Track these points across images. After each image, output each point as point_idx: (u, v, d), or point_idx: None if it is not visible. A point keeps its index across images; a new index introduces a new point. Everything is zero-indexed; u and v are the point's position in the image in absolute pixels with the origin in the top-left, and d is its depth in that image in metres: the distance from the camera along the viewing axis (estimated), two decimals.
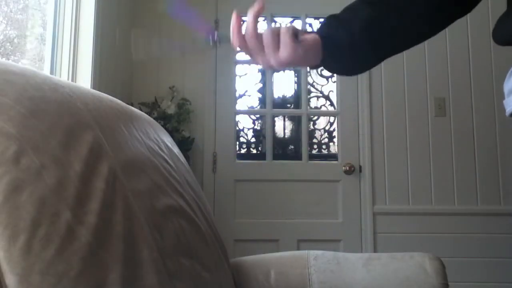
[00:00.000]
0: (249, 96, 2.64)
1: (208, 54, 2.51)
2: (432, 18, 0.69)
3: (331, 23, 0.67)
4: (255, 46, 0.63)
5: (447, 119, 2.46)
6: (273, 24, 2.60)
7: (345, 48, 0.65)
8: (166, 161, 0.85)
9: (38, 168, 0.48)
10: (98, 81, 1.89)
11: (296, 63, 0.64)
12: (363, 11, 0.66)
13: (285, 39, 0.61)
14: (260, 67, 2.66)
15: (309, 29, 2.61)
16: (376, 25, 0.65)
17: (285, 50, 0.61)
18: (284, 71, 2.55)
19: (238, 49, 0.65)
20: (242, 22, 0.66)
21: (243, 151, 2.63)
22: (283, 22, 2.63)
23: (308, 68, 0.68)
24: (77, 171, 0.53)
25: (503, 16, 0.67)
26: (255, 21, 0.64)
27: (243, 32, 0.65)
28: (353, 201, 2.44)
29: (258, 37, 0.63)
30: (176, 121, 2.28)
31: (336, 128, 2.57)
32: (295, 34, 0.62)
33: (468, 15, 0.75)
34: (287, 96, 2.74)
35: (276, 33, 0.62)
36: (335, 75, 2.46)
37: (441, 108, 2.46)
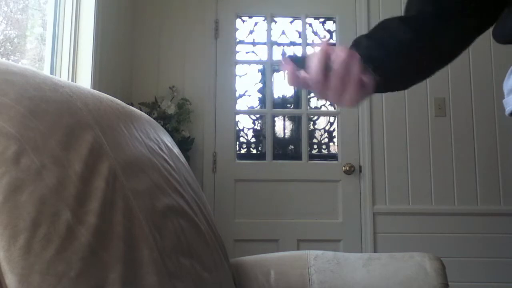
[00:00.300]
0: (249, 96, 2.64)
1: (208, 54, 2.51)
2: (470, 33, 0.68)
3: (374, 47, 0.63)
4: (323, 89, 0.59)
5: (447, 119, 2.46)
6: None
7: (388, 69, 0.62)
8: (166, 161, 0.85)
9: (38, 168, 0.48)
10: (98, 81, 1.89)
11: (358, 104, 0.60)
12: (397, 31, 0.64)
13: (354, 88, 0.57)
14: (260, 67, 2.66)
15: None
16: (412, 49, 0.64)
17: (352, 97, 0.57)
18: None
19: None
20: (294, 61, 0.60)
21: (243, 151, 2.63)
22: (283, 22, 2.63)
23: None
24: (77, 171, 0.53)
25: (504, 14, 0.67)
26: (321, 66, 0.58)
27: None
28: (353, 201, 2.44)
29: (326, 80, 0.58)
30: (176, 121, 2.28)
31: (336, 128, 2.57)
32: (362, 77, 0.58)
33: None
34: (287, 96, 2.74)
35: (346, 73, 0.57)
36: None
37: (441, 108, 2.46)
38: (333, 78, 0.57)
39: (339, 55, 0.57)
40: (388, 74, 0.62)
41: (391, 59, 0.62)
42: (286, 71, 0.60)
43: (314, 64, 0.58)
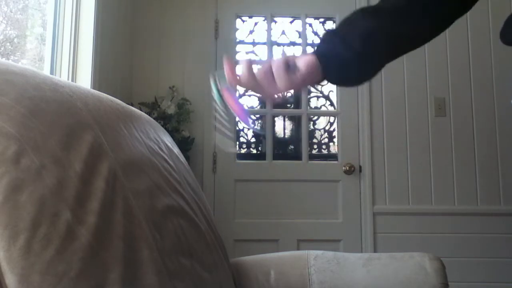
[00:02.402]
0: (249, 96, 2.64)
1: (208, 54, 2.51)
2: (433, 19, 0.68)
3: (330, 39, 0.67)
4: (253, 86, 0.66)
5: (447, 119, 2.46)
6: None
7: (346, 62, 0.65)
8: (166, 161, 0.85)
9: (38, 168, 0.48)
10: (98, 81, 1.89)
11: (296, 89, 0.66)
12: (362, 21, 0.66)
13: (278, 73, 0.63)
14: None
15: (310, 33, 2.61)
16: (376, 35, 0.65)
17: (281, 83, 0.64)
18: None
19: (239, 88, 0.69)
20: (234, 64, 0.68)
21: (243, 151, 2.63)
22: (283, 22, 2.63)
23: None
24: (77, 171, 0.53)
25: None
26: (249, 67, 0.66)
27: (240, 73, 0.67)
28: (353, 201, 2.44)
29: (254, 77, 0.65)
30: (176, 121, 2.28)
31: (336, 128, 2.57)
32: (288, 65, 0.64)
33: (468, 15, 0.75)
34: (287, 96, 2.74)
35: (269, 70, 0.64)
36: None
37: (441, 108, 2.46)
38: (258, 76, 0.65)
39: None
40: (337, 62, 0.66)
41: (342, 48, 0.65)
42: (226, 71, 0.67)
43: (243, 67, 0.66)
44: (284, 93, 0.65)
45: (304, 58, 0.65)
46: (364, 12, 0.67)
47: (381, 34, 0.65)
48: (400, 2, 0.66)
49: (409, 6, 0.66)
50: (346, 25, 0.68)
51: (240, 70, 0.66)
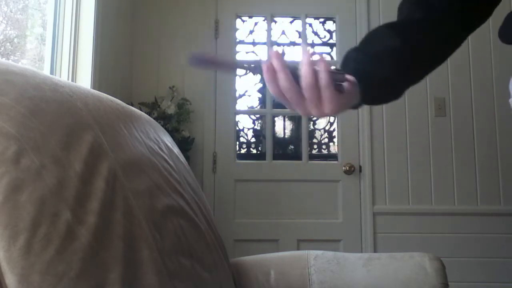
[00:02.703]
0: (249, 96, 2.64)
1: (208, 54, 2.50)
2: (458, 34, 0.68)
3: (360, 58, 0.62)
4: (295, 99, 0.55)
5: (447, 119, 2.46)
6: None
7: (380, 82, 0.61)
8: (166, 161, 0.85)
9: (38, 168, 0.48)
10: (98, 81, 1.89)
11: (339, 112, 0.58)
12: (390, 39, 0.63)
13: (329, 95, 0.54)
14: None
15: (310, 33, 2.61)
16: (405, 54, 0.62)
17: (330, 105, 0.55)
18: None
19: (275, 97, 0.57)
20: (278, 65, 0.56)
21: (243, 151, 2.63)
22: (283, 22, 2.63)
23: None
24: (77, 171, 0.53)
25: (510, 15, 0.67)
26: (290, 73, 0.55)
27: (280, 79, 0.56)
28: (353, 201, 2.44)
29: (297, 88, 0.55)
30: (176, 121, 2.28)
31: (336, 128, 2.57)
32: (337, 85, 0.56)
33: None
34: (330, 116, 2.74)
35: (316, 86, 0.54)
36: None
37: (441, 108, 2.46)
38: (306, 91, 0.55)
39: (306, 65, 0.55)
40: (376, 84, 0.61)
41: (379, 69, 0.61)
42: (265, 73, 0.56)
43: (285, 74, 0.55)
44: (329, 115, 0.57)
45: (347, 77, 0.58)
46: (389, 28, 0.65)
47: (409, 52, 0.63)
48: (420, 15, 0.65)
49: (430, 17, 0.65)
50: (373, 43, 0.64)
51: (281, 78, 0.55)
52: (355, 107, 0.63)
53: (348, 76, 0.58)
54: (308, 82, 0.54)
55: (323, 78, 0.54)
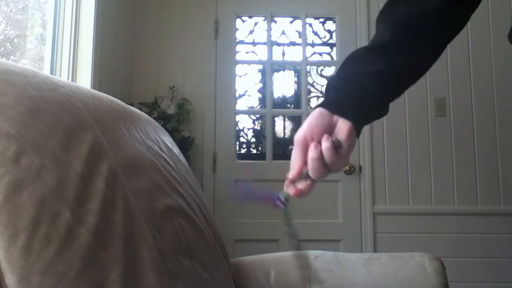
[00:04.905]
0: (249, 96, 2.64)
1: (208, 54, 2.51)
2: (434, 44, 0.68)
3: (344, 88, 0.62)
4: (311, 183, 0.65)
5: (447, 119, 2.46)
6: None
7: (367, 106, 0.63)
8: (166, 161, 0.85)
9: (38, 168, 0.48)
10: (98, 81, 1.89)
11: (346, 163, 0.64)
12: (372, 61, 0.63)
13: (332, 162, 0.60)
14: (260, 67, 2.66)
15: (310, 33, 2.60)
16: (388, 73, 0.62)
17: (337, 168, 0.61)
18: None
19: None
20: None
21: (243, 151, 2.63)
22: (283, 22, 2.63)
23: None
24: (77, 171, 0.53)
25: None
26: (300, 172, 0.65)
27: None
28: (353, 201, 2.44)
29: (311, 181, 0.65)
30: (176, 121, 2.28)
31: None
32: (336, 148, 0.60)
33: None
34: (287, 96, 2.74)
35: (321, 161, 0.60)
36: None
37: (441, 108, 2.46)
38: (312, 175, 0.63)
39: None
40: (367, 114, 0.63)
41: (365, 96, 0.62)
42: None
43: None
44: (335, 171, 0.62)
45: (344, 130, 0.60)
46: (369, 50, 0.65)
47: (392, 71, 0.63)
48: (400, 35, 0.65)
49: (410, 36, 0.65)
50: (354, 67, 0.64)
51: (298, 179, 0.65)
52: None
53: (344, 130, 0.61)
54: (314, 165, 0.61)
55: (328, 158, 0.59)
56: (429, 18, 0.65)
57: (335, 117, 0.61)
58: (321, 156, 0.59)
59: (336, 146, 0.59)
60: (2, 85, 0.51)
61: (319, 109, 0.62)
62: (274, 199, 0.68)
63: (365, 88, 0.61)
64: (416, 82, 0.68)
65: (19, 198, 0.45)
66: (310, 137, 0.61)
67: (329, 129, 0.61)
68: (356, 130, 0.61)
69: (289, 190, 0.66)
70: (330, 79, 0.65)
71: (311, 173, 0.62)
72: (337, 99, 0.62)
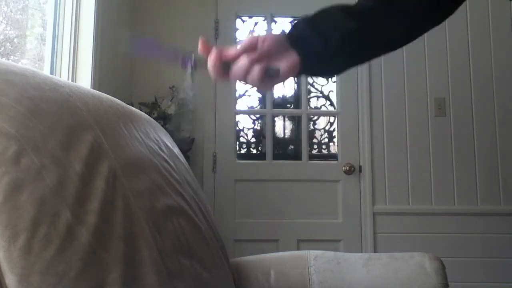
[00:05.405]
0: (249, 96, 2.64)
1: None
2: (410, 22, 0.68)
3: (307, 32, 0.65)
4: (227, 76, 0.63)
5: (447, 119, 2.46)
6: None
7: (322, 57, 0.64)
8: (166, 161, 0.85)
9: (38, 168, 0.48)
10: (98, 81, 1.89)
11: (272, 87, 0.65)
12: (342, 20, 0.65)
13: (254, 80, 0.60)
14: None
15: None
16: (355, 37, 0.64)
17: (258, 85, 0.62)
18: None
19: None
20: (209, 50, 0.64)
21: (243, 151, 2.63)
22: (283, 22, 2.63)
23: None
24: (77, 171, 0.53)
25: None
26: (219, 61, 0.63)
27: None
28: (353, 201, 2.44)
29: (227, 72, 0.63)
30: (176, 121, 2.28)
31: (336, 128, 2.57)
32: (268, 70, 0.61)
33: (468, 14, 0.74)
34: (287, 96, 2.74)
35: (245, 72, 0.61)
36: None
37: (441, 108, 2.46)
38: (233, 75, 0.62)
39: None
40: (317, 61, 0.64)
41: (325, 47, 0.64)
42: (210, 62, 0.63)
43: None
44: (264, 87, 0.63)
45: (287, 62, 0.62)
46: (343, 11, 0.66)
47: (359, 37, 0.64)
48: (377, 4, 0.66)
49: (387, 8, 0.66)
50: (324, 20, 0.66)
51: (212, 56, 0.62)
52: (293, 77, 0.68)
53: (287, 62, 0.62)
54: (239, 75, 0.61)
55: (255, 74, 0.60)
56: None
57: (289, 48, 0.63)
58: (248, 69, 0.60)
59: (270, 73, 0.61)
60: (2, 85, 0.51)
61: (280, 35, 0.64)
62: (183, 58, 0.65)
63: (326, 37, 0.63)
64: (376, 57, 0.69)
65: (19, 198, 0.45)
66: (262, 41, 0.62)
67: (279, 50, 0.63)
68: (298, 71, 0.63)
69: (210, 59, 0.63)
70: (300, 19, 0.67)
71: (233, 72, 0.62)
72: (298, 35, 0.64)
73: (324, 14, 0.67)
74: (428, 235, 2.36)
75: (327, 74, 0.70)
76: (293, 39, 0.64)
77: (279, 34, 0.64)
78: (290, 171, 2.47)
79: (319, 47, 0.63)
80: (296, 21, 0.68)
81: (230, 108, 2.52)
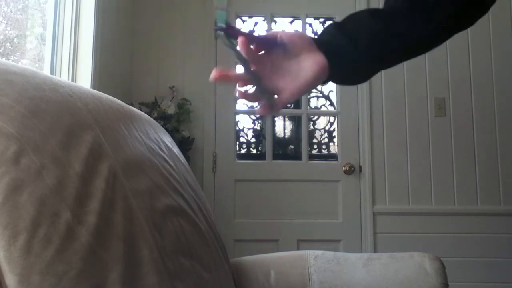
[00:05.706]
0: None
1: (208, 54, 2.51)
2: (437, 27, 0.68)
3: (337, 36, 0.64)
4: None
5: (447, 119, 2.46)
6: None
7: (352, 62, 0.64)
8: (166, 161, 0.85)
9: (38, 168, 0.48)
10: (98, 81, 1.89)
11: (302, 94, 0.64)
12: (371, 23, 0.64)
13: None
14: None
15: (310, 33, 2.61)
16: (384, 39, 0.63)
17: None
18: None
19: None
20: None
21: (243, 151, 2.63)
22: (283, 22, 2.63)
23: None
24: (77, 171, 0.53)
25: None
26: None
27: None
28: (353, 201, 2.44)
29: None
30: (176, 121, 2.28)
31: (336, 128, 2.57)
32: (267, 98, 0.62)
33: None
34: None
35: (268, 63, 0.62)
36: None
37: (441, 108, 2.46)
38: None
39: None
40: (347, 65, 0.64)
41: (355, 50, 0.63)
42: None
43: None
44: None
45: (315, 64, 0.61)
46: (371, 13, 0.66)
47: (388, 39, 0.64)
48: (405, 5, 0.66)
49: (412, 11, 0.65)
50: (353, 23, 0.65)
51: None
52: (321, 84, 0.66)
53: (315, 61, 0.61)
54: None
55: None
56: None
57: (316, 50, 0.62)
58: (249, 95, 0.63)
59: (267, 100, 0.61)
60: (2, 85, 0.51)
61: (307, 35, 0.64)
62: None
63: (355, 39, 0.63)
64: (404, 60, 0.69)
65: (19, 198, 0.45)
66: (284, 36, 0.61)
67: (304, 51, 0.62)
68: (326, 76, 0.62)
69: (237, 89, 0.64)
70: (329, 24, 0.67)
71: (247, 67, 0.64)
72: (326, 38, 0.64)
73: (353, 17, 0.66)
74: (428, 235, 2.36)
75: (354, 79, 0.68)
76: (321, 41, 0.63)
77: (305, 34, 0.64)
78: (290, 171, 2.47)
79: (347, 49, 0.62)
80: (325, 26, 0.68)
81: (230, 108, 2.52)
